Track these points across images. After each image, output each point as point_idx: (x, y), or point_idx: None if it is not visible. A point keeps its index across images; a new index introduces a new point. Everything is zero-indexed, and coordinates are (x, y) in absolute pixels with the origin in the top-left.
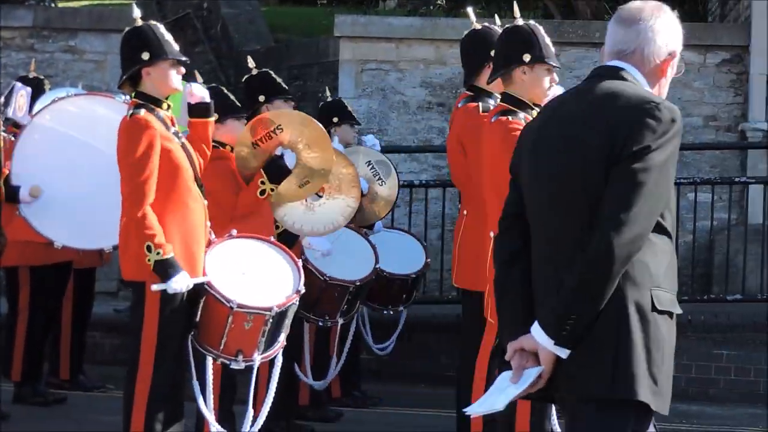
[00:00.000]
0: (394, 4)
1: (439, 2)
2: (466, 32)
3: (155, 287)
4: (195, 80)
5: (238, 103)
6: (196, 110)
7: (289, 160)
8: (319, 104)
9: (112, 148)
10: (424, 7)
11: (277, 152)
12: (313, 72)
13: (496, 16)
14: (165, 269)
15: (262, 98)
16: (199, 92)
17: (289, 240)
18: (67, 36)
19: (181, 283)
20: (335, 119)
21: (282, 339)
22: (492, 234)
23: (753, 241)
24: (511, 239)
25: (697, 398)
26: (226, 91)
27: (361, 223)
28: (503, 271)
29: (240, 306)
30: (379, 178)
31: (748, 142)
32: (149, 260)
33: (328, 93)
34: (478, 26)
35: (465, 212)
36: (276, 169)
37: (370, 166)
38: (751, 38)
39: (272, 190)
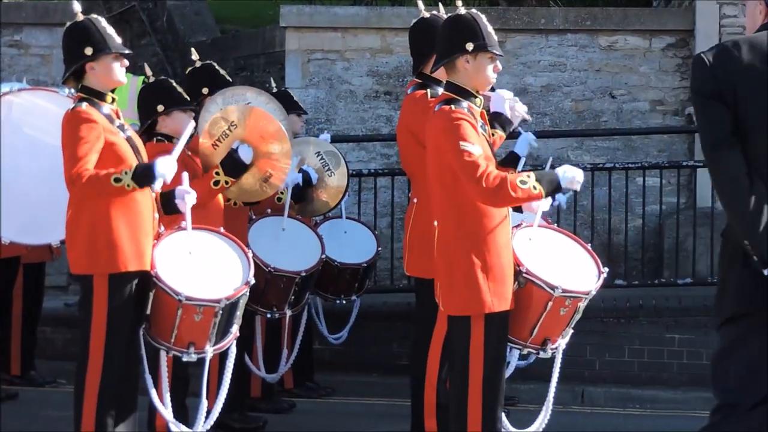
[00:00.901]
0: None
1: None
2: (414, 21)
3: (158, 187)
4: (144, 73)
5: (186, 96)
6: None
7: (245, 154)
8: None
9: (56, 142)
10: None
11: (234, 146)
12: (259, 63)
13: (440, 4)
14: (144, 174)
15: (206, 90)
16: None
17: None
18: (12, 30)
19: (168, 166)
20: None
21: (234, 330)
22: (436, 223)
23: (702, 224)
24: (738, 156)
25: (651, 383)
26: (173, 83)
27: (311, 214)
28: (745, 182)
29: (188, 298)
30: (329, 169)
31: (696, 125)
32: (128, 185)
33: (273, 84)
34: (426, 15)
35: (415, 200)
36: (231, 162)
37: (320, 157)
38: (696, 22)
39: (227, 183)
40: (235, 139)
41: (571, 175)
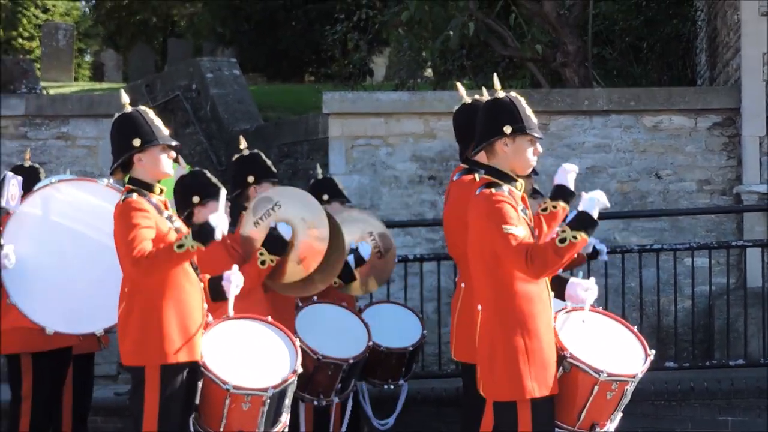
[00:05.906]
0: (381, 78)
1: (426, 74)
2: (456, 107)
3: (218, 236)
4: (178, 163)
5: (221, 186)
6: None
7: (285, 231)
8: (310, 182)
9: (98, 232)
10: (411, 80)
11: (271, 224)
12: (303, 149)
13: (484, 88)
14: (203, 231)
15: (251, 179)
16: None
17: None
18: (59, 123)
19: (221, 221)
20: (325, 197)
21: (284, 419)
22: (479, 307)
23: (753, 304)
24: None
25: None
26: (208, 174)
27: (360, 290)
28: None
29: (236, 387)
30: (379, 251)
31: (744, 205)
32: (192, 247)
33: (319, 170)
34: (468, 100)
35: (462, 285)
36: (273, 240)
37: (372, 237)
38: (742, 100)
39: (272, 261)
40: (274, 219)
41: (593, 199)
